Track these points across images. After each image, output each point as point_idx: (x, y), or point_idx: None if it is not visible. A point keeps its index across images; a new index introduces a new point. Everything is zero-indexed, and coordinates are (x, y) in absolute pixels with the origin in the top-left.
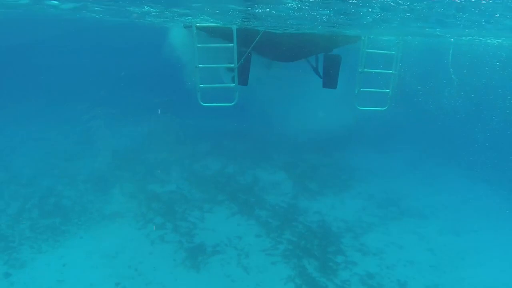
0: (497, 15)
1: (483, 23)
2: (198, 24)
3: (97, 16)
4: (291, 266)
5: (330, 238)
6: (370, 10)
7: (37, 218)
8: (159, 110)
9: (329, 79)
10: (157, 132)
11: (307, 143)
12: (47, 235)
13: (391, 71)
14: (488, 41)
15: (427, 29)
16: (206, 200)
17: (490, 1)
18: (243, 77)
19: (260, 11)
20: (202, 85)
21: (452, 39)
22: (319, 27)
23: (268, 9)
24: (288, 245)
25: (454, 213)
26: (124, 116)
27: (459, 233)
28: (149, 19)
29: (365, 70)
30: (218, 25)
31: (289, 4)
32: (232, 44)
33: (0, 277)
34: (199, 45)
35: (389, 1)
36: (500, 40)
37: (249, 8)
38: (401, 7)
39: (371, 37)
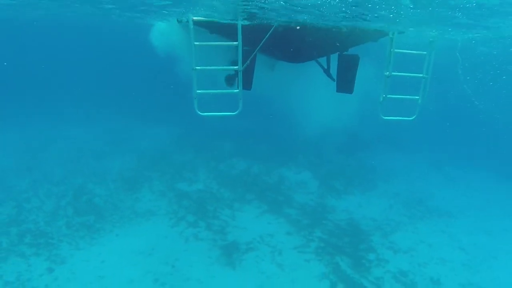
0: None
1: None
2: (195, 18)
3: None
4: (324, 263)
5: (360, 236)
6: None
7: (72, 215)
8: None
9: (345, 82)
10: (181, 133)
11: (330, 143)
12: (83, 232)
13: (421, 75)
14: None
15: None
16: (235, 199)
17: None
18: (247, 80)
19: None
20: (199, 91)
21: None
22: (340, 19)
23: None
24: (319, 243)
25: (482, 212)
26: (149, 117)
27: (490, 233)
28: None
29: (393, 73)
30: (219, 20)
31: None
32: (236, 42)
33: (44, 272)
34: (197, 43)
35: None
36: None
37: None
38: None
39: (401, 33)
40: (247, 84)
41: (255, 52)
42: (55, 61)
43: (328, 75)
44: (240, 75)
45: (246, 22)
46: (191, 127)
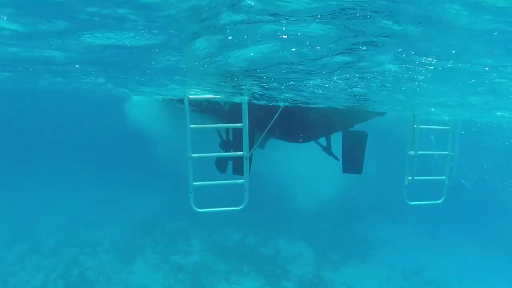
0: None
1: None
2: (191, 96)
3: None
4: None
5: None
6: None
7: None
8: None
9: (352, 162)
10: (173, 201)
11: (323, 214)
12: None
13: (446, 152)
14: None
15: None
16: (232, 271)
17: None
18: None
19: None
20: (196, 183)
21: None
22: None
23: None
24: None
25: (479, 283)
26: (140, 185)
27: None
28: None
29: (419, 153)
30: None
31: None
32: (240, 124)
33: None
34: (192, 126)
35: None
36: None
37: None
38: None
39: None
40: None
41: (263, 136)
42: (46, 130)
43: (330, 153)
44: (246, 162)
45: (249, 101)
46: (182, 195)
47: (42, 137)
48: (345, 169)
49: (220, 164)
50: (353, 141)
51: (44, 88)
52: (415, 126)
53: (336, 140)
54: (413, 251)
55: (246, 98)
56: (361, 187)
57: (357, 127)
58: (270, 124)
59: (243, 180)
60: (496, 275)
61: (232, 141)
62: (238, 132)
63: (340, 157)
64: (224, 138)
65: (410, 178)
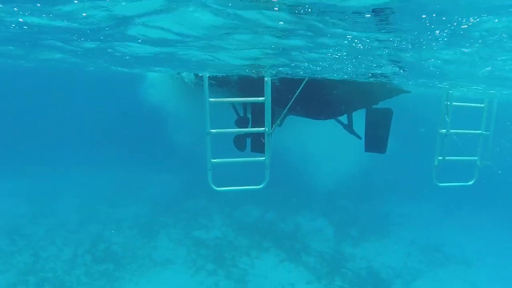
0: None
1: None
2: None
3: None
4: None
5: (381, 285)
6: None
7: (91, 264)
8: None
9: (375, 141)
10: (192, 180)
11: (341, 190)
12: (103, 281)
13: (479, 131)
14: None
15: None
16: (253, 246)
17: None
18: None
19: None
20: (214, 160)
21: None
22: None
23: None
24: None
25: (501, 260)
26: (159, 163)
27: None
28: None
29: (451, 131)
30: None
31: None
32: (262, 98)
33: None
34: (211, 99)
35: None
36: None
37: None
38: None
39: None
40: (263, 147)
41: (284, 111)
42: (66, 110)
43: (351, 131)
44: (268, 138)
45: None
46: (201, 173)
47: (65, 119)
48: (368, 148)
49: (239, 141)
50: (377, 118)
51: (64, 68)
52: (447, 103)
53: (357, 117)
54: (432, 228)
55: (269, 73)
56: (380, 164)
57: (381, 104)
58: (293, 99)
59: (264, 158)
60: None
61: (250, 118)
62: (257, 107)
63: (362, 135)
64: (241, 114)
65: (440, 158)
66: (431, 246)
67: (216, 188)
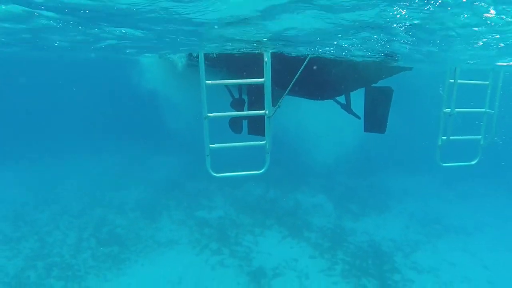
0: None
1: None
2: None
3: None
4: (352, 285)
5: (383, 257)
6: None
7: (96, 247)
8: None
9: (375, 120)
10: (191, 161)
11: (340, 166)
12: (109, 264)
13: (483, 110)
14: None
15: None
16: (256, 224)
17: None
18: (261, 126)
19: None
20: (213, 146)
21: None
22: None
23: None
24: (344, 265)
25: (499, 229)
26: (159, 146)
27: (511, 249)
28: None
29: (456, 110)
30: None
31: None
32: (262, 80)
33: None
34: (208, 82)
35: None
36: None
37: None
38: None
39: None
40: (261, 130)
41: (285, 93)
42: (65, 97)
43: (349, 111)
44: (268, 122)
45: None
46: (201, 155)
47: (65, 106)
48: (367, 128)
49: (235, 124)
50: (377, 98)
51: (62, 55)
52: (451, 80)
53: (355, 96)
54: (431, 201)
55: (269, 50)
56: (378, 139)
57: (381, 83)
58: (294, 78)
59: (264, 142)
60: None
61: (247, 99)
62: (253, 88)
63: (361, 115)
64: (236, 96)
65: (444, 137)
66: (430, 218)
67: (215, 174)
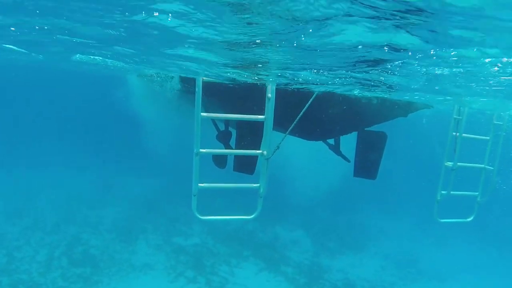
0: None
1: None
2: (205, 78)
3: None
4: None
5: None
6: None
7: (68, 266)
8: None
9: (366, 166)
10: (171, 184)
11: (319, 203)
12: (80, 285)
13: (482, 165)
14: None
15: None
16: (232, 255)
17: None
18: (249, 163)
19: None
20: (201, 185)
21: None
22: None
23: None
24: None
25: (471, 276)
26: (140, 167)
27: None
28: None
29: (458, 164)
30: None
31: None
32: (262, 117)
33: None
34: (204, 114)
35: None
36: None
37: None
38: None
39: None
40: (249, 167)
41: (286, 134)
42: (43, 108)
43: (338, 153)
44: (265, 163)
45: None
46: (181, 178)
47: (44, 116)
48: (358, 173)
49: (219, 157)
50: (369, 142)
51: (46, 66)
52: (455, 134)
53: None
54: (407, 243)
55: (274, 81)
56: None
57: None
58: (298, 117)
59: (258, 185)
60: (487, 269)
61: (235, 133)
62: (244, 123)
63: (350, 158)
64: (221, 128)
65: (444, 192)
66: (405, 260)
67: (201, 217)
